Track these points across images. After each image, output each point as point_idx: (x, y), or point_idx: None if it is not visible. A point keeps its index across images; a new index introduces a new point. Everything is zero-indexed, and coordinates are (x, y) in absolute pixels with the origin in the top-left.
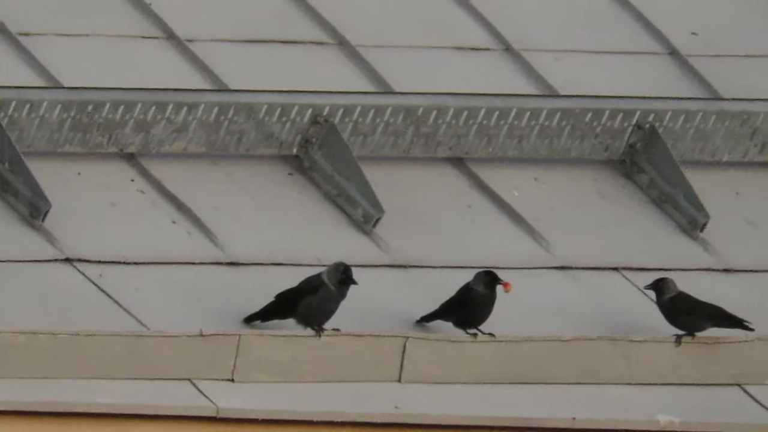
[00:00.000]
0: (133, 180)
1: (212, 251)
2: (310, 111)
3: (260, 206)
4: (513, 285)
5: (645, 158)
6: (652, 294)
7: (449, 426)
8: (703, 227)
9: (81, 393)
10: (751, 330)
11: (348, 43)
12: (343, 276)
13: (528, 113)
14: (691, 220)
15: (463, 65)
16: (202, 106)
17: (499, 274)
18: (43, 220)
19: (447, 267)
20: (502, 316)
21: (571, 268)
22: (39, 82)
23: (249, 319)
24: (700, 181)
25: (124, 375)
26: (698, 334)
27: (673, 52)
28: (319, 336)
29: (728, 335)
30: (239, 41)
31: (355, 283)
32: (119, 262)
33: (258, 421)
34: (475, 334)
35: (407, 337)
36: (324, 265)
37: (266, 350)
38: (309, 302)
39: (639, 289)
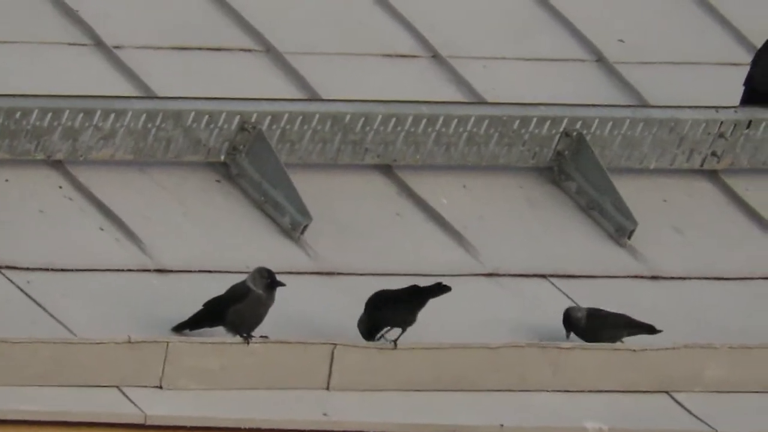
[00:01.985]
0: (61, 187)
1: (140, 258)
2: (237, 118)
3: (188, 213)
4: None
5: (573, 165)
6: (580, 302)
7: None
8: (630, 234)
9: (7, 400)
10: (659, 331)
11: (275, 50)
12: (268, 280)
13: (456, 120)
14: (618, 227)
15: (391, 72)
16: (130, 113)
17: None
18: None
19: (375, 274)
20: (430, 324)
21: (499, 275)
22: None
23: (178, 328)
24: (627, 188)
25: (51, 382)
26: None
27: (600, 60)
28: (248, 343)
29: (655, 343)
30: (167, 48)
31: (282, 284)
32: (47, 269)
33: (186, 428)
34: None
35: (335, 345)
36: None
37: (194, 357)
38: (237, 309)
39: (567, 296)
